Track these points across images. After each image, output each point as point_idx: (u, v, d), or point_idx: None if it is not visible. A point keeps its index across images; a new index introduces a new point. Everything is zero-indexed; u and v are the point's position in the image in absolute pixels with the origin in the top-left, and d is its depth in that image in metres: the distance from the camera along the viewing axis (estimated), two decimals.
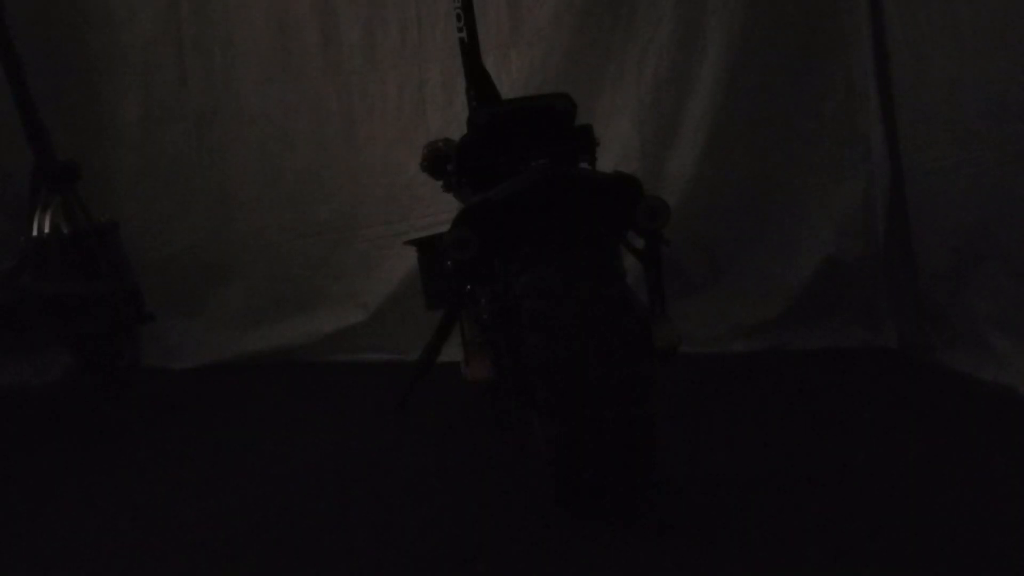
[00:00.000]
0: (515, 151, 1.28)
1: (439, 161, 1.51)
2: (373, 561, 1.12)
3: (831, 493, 1.22)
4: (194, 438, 1.68)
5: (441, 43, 2.14)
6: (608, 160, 1.73)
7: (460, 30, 1.44)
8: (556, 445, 1.13)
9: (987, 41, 1.56)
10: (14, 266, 1.46)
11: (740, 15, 1.97)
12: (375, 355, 2.14)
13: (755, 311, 2.02)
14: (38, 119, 1.94)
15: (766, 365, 1.90)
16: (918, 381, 1.71)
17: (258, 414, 1.81)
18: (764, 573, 1.03)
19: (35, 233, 1.90)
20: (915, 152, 1.80)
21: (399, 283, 2.15)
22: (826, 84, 1.98)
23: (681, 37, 2.02)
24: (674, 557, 1.07)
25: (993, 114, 1.56)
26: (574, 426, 1.11)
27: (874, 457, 1.34)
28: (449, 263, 1.19)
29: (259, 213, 2.21)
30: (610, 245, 1.20)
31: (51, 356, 2.18)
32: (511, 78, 2.08)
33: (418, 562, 1.11)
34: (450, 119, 2.07)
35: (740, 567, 1.05)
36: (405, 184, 2.17)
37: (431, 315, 1.62)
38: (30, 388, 2.14)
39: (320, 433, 1.64)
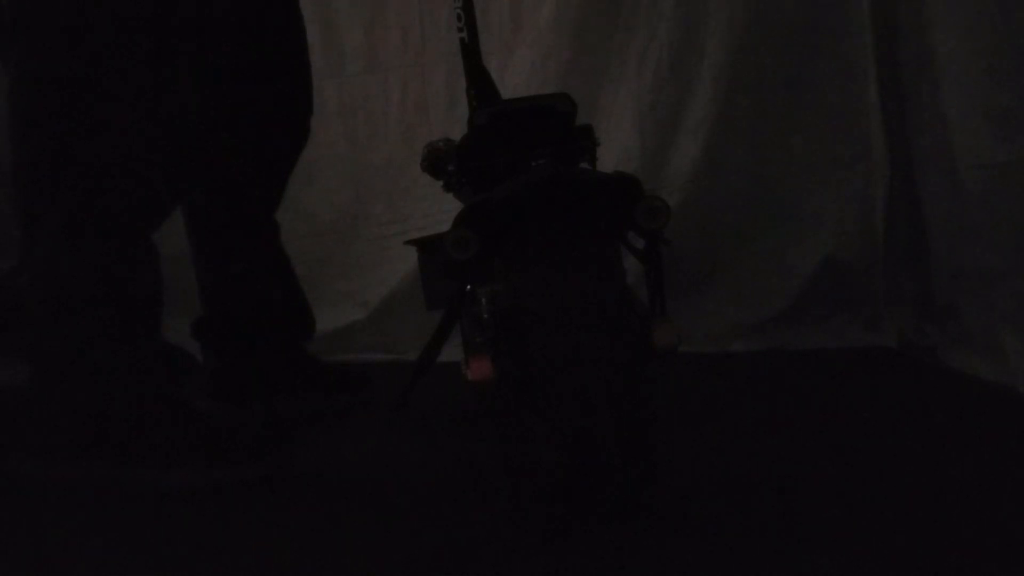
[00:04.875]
0: (515, 151, 1.28)
1: (439, 161, 1.51)
2: (371, 561, 1.12)
3: (831, 493, 1.22)
4: None
5: (444, 45, 2.14)
6: (608, 160, 1.73)
7: (460, 30, 1.44)
8: (556, 445, 1.13)
9: (1016, 37, 1.55)
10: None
11: (740, 15, 1.98)
12: (375, 355, 2.14)
13: (755, 311, 2.02)
14: None
15: (766, 365, 1.90)
16: (918, 381, 1.71)
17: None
18: (764, 573, 1.03)
19: None
20: (936, 148, 1.79)
21: (399, 283, 2.15)
22: (826, 83, 1.98)
23: (681, 37, 2.02)
24: (674, 557, 1.07)
25: (1021, 111, 1.55)
26: (574, 426, 1.11)
27: (874, 457, 1.34)
28: (449, 263, 1.19)
29: None
30: (610, 245, 1.20)
31: None
32: (512, 78, 2.08)
33: (417, 562, 1.11)
34: (454, 121, 2.07)
35: (740, 567, 1.05)
36: (407, 185, 2.17)
37: (431, 315, 1.62)
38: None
39: (318, 432, 1.64)
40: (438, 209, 2.04)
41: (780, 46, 1.98)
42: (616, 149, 2.03)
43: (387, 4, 2.18)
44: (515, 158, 1.27)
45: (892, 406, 1.58)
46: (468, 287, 1.24)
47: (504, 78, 2.05)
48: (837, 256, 1.99)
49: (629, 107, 2.06)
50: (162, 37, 1.34)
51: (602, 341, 1.11)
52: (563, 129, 1.30)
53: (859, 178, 1.98)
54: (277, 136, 1.68)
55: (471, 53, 1.45)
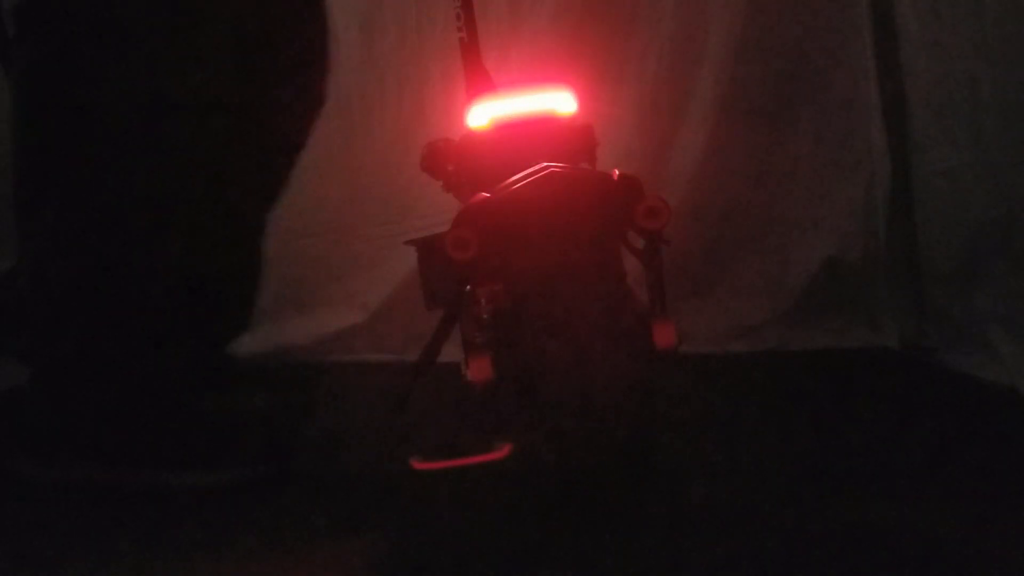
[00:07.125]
0: (515, 151, 1.28)
1: (439, 161, 1.51)
2: (371, 561, 1.12)
3: (831, 493, 1.22)
4: None
5: (441, 42, 2.13)
6: (608, 160, 1.72)
7: (460, 29, 1.44)
8: (555, 445, 1.13)
9: (1011, 39, 1.56)
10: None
11: (741, 15, 1.98)
12: (375, 355, 2.14)
13: (755, 311, 2.02)
14: None
15: (766, 365, 1.90)
16: (919, 381, 1.71)
17: None
18: (764, 573, 1.03)
19: None
20: (925, 150, 1.80)
21: (399, 283, 2.14)
22: (827, 82, 1.98)
23: (681, 37, 2.02)
24: (673, 557, 1.07)
25: (1010, 114, 1.56)
26: (573, 426, 1.11)
27: (874, 457, 1.34)
28: (449, 263, 1.19)
29: None
30: (610, 245, 1.20)
31: None
32: (511, 78, 2.07)
33: (416, 562, 1.11)
34: (450, 119, 2.07)
35: (740, 567, 1.04)
36: (404, 184, 2.17)
37: (431, 315, 1.62)
38: None
39: (319, 432, 1.64)
40: (437, 209, 2.04)
41: (780, 47, 1.98)
42: (616, 149, 2.02)
43: (383, 1, 2.18)
44: (515, 158, 1.27)
45: (892, 406, 1.58)
46: (468, 287, 1.24)
47: (503, 77, 2.04)
48: (838, 256, 1.99)
49: (629, 107, 2.06)
50: (164, 35, 1.33)
51: (602, 341, 1.10)
52: (563, 129, 1.29)
53: (860, 178, 1.98)
54: (286, 102, 1.56)
55: (470, 52, 1.44)
